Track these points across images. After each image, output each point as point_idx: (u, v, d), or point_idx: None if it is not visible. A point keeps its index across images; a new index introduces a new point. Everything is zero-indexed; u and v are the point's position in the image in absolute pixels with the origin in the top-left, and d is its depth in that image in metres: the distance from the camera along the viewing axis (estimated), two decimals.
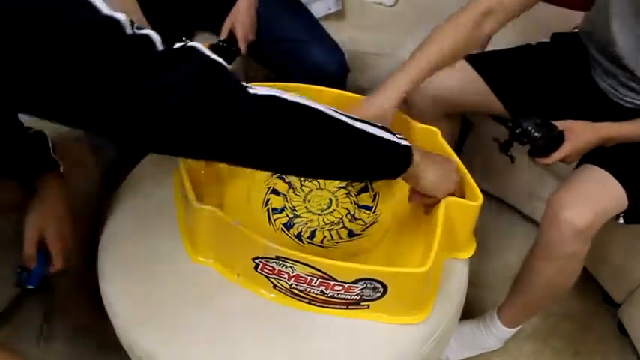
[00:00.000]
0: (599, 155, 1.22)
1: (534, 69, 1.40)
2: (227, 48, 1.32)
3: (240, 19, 1.35)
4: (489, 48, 1.49)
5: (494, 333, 1.45)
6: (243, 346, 0.94)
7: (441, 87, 1.36)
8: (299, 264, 0.90)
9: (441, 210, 0.96)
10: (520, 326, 1.46)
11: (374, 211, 1.07)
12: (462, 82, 1.38)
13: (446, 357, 1.48)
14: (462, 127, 1.64)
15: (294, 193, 1.08)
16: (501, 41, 1.58)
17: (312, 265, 0.89)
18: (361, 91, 1.19)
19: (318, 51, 1.47)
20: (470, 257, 1.08)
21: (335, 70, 1.48)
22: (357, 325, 0.96)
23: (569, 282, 1.27)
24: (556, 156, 1.16)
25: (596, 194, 1.17)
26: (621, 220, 1.26)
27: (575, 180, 1.21)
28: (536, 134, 1.12)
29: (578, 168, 1.26)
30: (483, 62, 1.40)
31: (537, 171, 1.60)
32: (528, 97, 1.38)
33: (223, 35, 1.35)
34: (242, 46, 1.34)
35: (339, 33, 1.57)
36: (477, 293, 1.63)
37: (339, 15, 1.66)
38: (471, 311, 1.52)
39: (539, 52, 1.44)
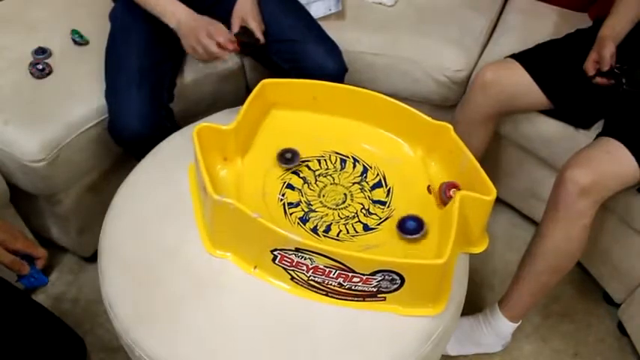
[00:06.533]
0: (618, 128, 1.26)
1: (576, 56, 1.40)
2: (248, 40, 1.38)
3: (250, 12, 1.41)
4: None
5: (494, 327, 1.45)
6: (248, 343, 0.94)
7: (509, 87, 1.41)
8: (318, 256, 0.90)
9: (456, 203, 0.97)
10: (520, 322, 1.45)
11: (388, 206, 1.08)
12: (518, 81, 1.42)
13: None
14: None
15: (308, 187, 1.09)
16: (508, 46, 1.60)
17: (332, 256, 0.89)
18: None
19: (316, 50, 1.47)
20: (481, 252, 1.08)
21: (333, 69, 1.47)
22: (358, 323, 0.97)
23: (576, 250, 1.29)
24: None
25: (601, 158, 1.22)
26: None
27: (586, 147, 1.26)
28: None
29: (595, 139, 1.29)
30: (527, 57, 1.44)
31: (537, 171, 1.62)
32: (572, 86, 1.40)
33: (235, 29, 1.39)
34: (260, 36, 1.40)
35: (339, 33, 1.56)
36: (477, 293, 1.64)
37: (339, 15, 1.66)
38: (471, 311, 1.52)
39: (579, 38, 1.46)
